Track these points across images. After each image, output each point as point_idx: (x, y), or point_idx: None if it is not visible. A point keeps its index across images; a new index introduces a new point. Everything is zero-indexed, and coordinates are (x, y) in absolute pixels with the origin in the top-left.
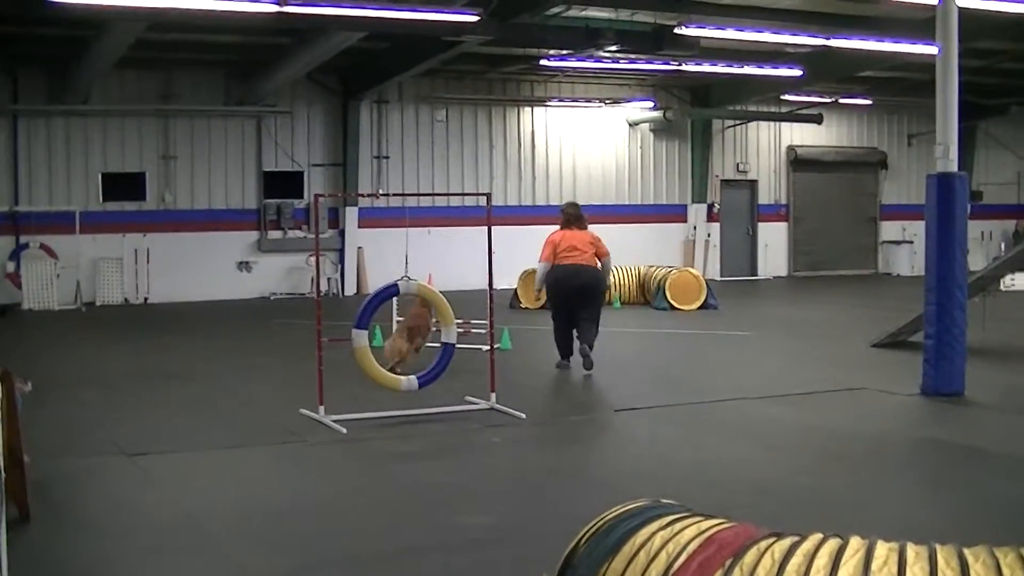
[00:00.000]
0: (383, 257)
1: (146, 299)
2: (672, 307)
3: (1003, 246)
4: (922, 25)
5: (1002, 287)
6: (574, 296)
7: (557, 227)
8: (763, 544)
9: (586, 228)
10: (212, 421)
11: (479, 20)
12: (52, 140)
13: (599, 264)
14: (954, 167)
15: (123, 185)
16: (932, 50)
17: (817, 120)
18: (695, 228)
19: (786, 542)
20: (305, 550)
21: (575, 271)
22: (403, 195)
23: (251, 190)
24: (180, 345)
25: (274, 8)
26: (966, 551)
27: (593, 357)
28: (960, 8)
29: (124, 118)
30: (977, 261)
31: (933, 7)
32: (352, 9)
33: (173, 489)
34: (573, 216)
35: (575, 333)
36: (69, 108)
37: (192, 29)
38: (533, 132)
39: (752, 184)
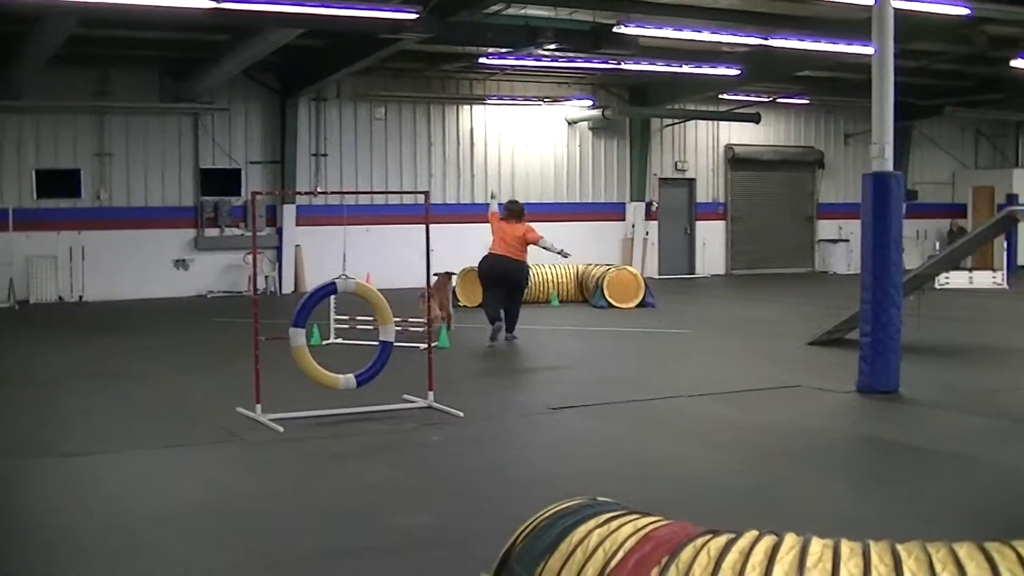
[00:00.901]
0: (321, 255)
1: (81, 297)
2: (610, 305)
3: (937, 245)
4: (858, 26)
5: (937, 285)
6: (496, 281)
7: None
8: (699, 541)
9: (522, 223)
10: (148, 420)
11: (418, 18)
12: None
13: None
14: (890, 166)
15: (57, 182)
16: (868, 51)
17: (755, 119)
18: (633, 226)
19: (722, 539)
20: (242, 550)
21: (495, 261)
22: (341, 193)
23: (188, 188)
24: (116, 344)
25: (210, 4)
26: (899, 547)
27: (520, 341)
28: (896, 9)
29: (58, 115)
30: (912, 260)
31: (869, 8)
32: (289, 6)
33: (109, 490)
34: (514, 211)
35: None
36: (2, 104)
37: (127, 25)
38: (472, 130)
39: (690, 183)
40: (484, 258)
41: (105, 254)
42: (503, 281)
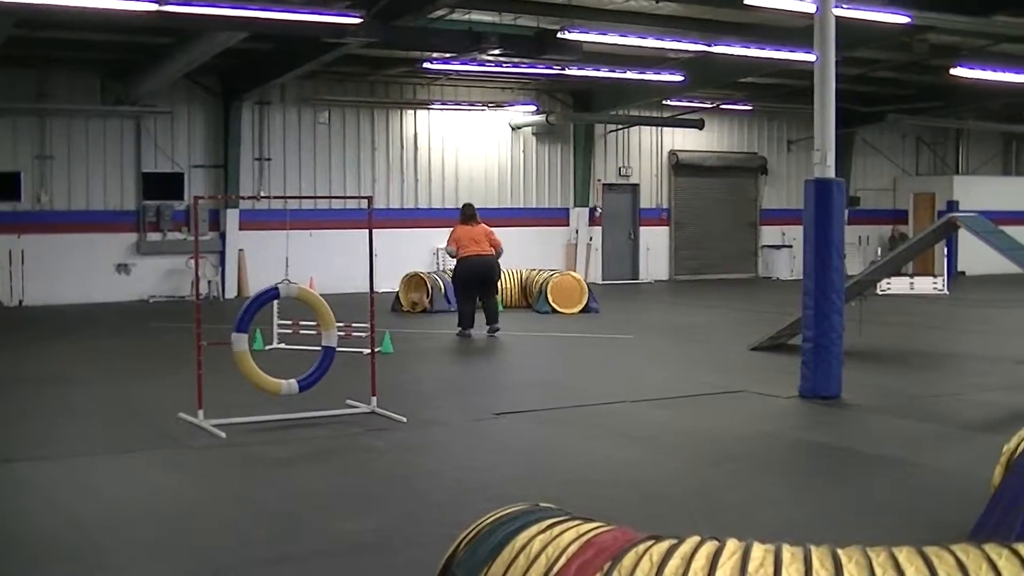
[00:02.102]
0: (264, 260)
1: (21, 302)
2: (554, 310)
3: (879, 251)
4: (801, 33)
5: (878, 291)
6: (477, 281)
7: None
8: (641, 547)
9: (480, 223)
10: (89, 426)
11: (362, 22)
12: None
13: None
14: (832, 173)
15: None
16: (810, 58)
17: (698, 125)
18: (577, 232)
19: (664, 545)
20: (184, 556)
21: (478, 260)
22: (285, 197)
23: (130, 191)
24: (56, 349)
25: (153, 7)
26: (840, 551)
27: (464, 346)
28: (837, 17)
29: None
30: (854, 266)
31: (811, 16)
32: (233, 9)
33: (48, 496)
34: (470, 214)
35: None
36: None
37: (68, 27)
38: (416, 135)
39: (634, 188)
40: (467, 259)
41: (46, 258)
42: (486, 278)
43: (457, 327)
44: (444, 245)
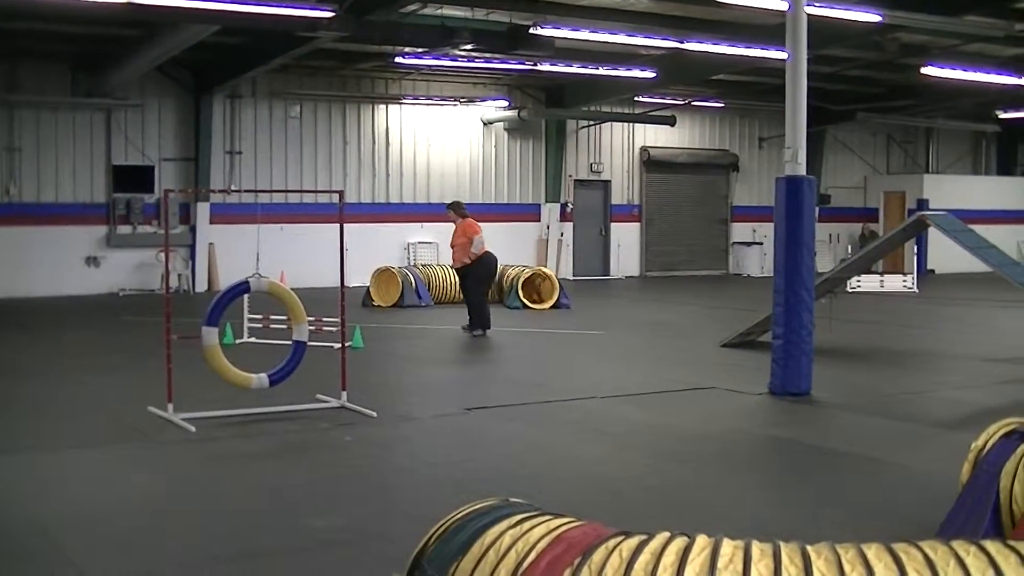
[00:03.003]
0: (235, 254)
1: None
2: (525, 306)
3: (849, 248)
4: (773, 31)
5: (848, 289)
6: (490, 278)
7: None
8: (611, 543)
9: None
10: (57, 420)
11: (334, 16)
12: None
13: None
14: (803, 170)
15: None
16: (782, 56)
17: (670, 122)
18: (548, 227)
19: (634, 540)
20: (150, 552)
21: (494, 257)
22: (256, 191)
23: (100, 184)
24: (24, 342)
25: None
26: (809, 548)
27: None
28: (809, 16)
29: None
30: (825, 263)
31: (783, 14)
32: (204, 2)
33: (13, 491)
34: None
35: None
36: None
37: (38, 18)
38: (387, 130)
39: (605, 184)
40: (488, 254)
41: (14, 250)
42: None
43: (477, 329)
44: (423, 240)
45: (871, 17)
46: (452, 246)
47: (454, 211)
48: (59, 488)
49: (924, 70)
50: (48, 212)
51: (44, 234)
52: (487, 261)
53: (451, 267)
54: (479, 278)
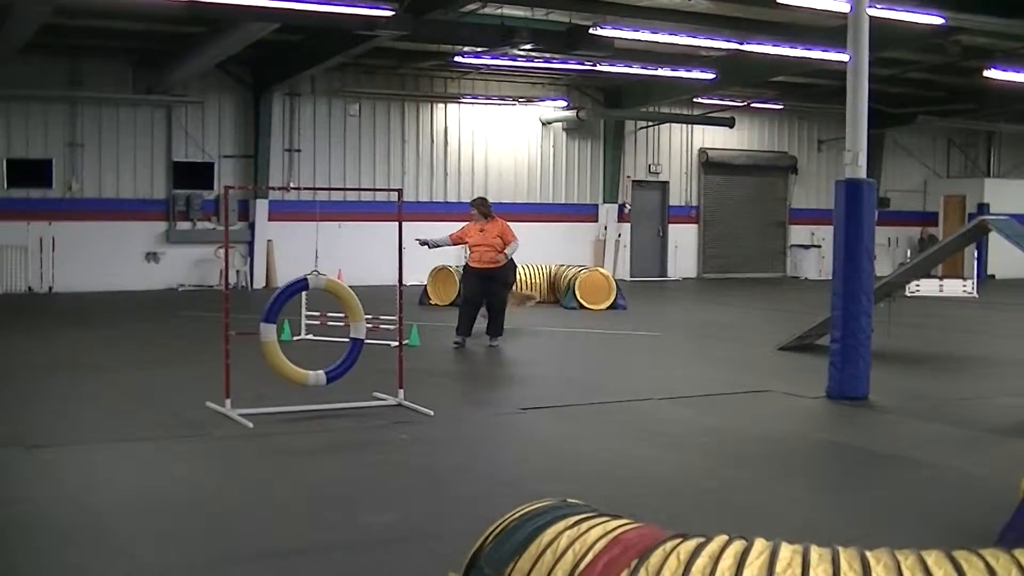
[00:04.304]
0: (293, 251)
1: (51, 288)
2: (581, 306)
3: (908, 252)
4: (834, 33)
5: (907, 293)
6: None
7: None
8: (669, 545)
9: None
10: (117, 414)
11: (393, 15)
12: None
13: None
14: (862, 174)
15: (28, 172)
16: (843, 58)
17: (729, 123)
18: (606, 228)
19: (692, 543)
20: (205, 545)
21: None
22: (314, 189)
23: (160, 180)
24: (85, 337)
25: None
26: (868, 553)
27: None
28: (871, 17)
29: (30, 104)
30: (883, 267)
31: (844, 15)
32: (265, 1)
33: (74, 483)
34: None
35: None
36: None
37: (100, 15)
38: (446, 129)
39: (663, 185)
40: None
41: (76, 245)
42: None
43: (497, 339)
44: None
45: (933, 19)
46: (480, 245)
47: (482, 209)
48: (116, 480)
49: (987, 73)
50: (109, 208)
51: (105, 229)
52: (514, 266)
53: (475, 267)
54: (509, 284)
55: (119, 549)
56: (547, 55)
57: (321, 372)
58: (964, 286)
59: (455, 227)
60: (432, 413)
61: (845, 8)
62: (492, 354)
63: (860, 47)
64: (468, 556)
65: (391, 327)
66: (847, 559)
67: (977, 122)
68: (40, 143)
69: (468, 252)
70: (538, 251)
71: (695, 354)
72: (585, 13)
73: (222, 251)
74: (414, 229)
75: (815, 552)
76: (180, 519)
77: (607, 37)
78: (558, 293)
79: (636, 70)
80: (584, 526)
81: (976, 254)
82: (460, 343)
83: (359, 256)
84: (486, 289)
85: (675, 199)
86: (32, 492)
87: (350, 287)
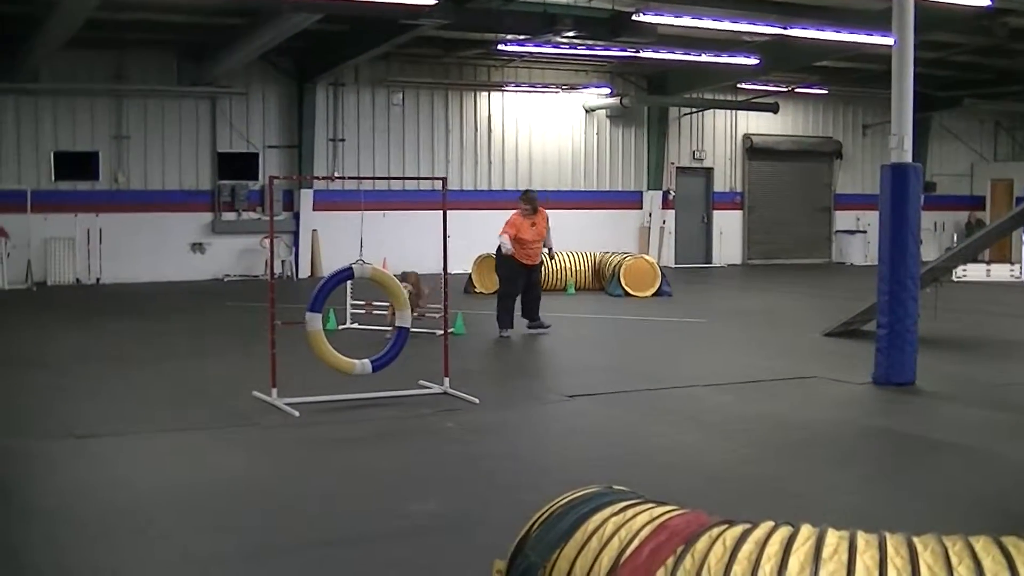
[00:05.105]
0: (338, 240)
1: (98, 280)
2: (626, 294)
3: (955, 237)
4: (878, 16)
5: (954, 278)
6: None
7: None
8: (715, 531)
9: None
10: (163, 404)
11: (436, 4)
12: (2, 118)
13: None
14: (908, 158)
15: (75, 164)
16: (888, 41)
17: (773, 109)
18: (650, 215)
19: (737, 529)
20: (253, 535)
21: None
22: (359, 178)
23: (205, 171)
24: (132, 327)
25: None
26: (915, 539)
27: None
28: (916, 0)
29: (75, 97)
30: (930, 252)
31: None
32: None
33: (122, 472)
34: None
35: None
36: (19, 86)
37: (145, 8)
38: (490, 117)
39: (707, 172)
40: None
41: (122, 237)
42: None
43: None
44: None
45: (980, 1)
46: (535, 242)
47: (535, 203)
48: (163, 470)
49: None
50: (154, 199)
51: (150, 221)
52: None
53: (526, 264)
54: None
55: (168, 538)
56: (590, 42)
57: (367, 361)
58: (1012, 270)
59: (503, 215)
60: (478, 401)
61: None
62: (537, 342)
63: (905, 30)
64: (514, 543)
65: (437, 315)
66: (894, 545)
67: None
68: (87, 136)
69: (513, 246)
70: (582, 238)
71: (740, 340)
72: None
73: (267, 241)
74: (458, 217)
75: (862, 538)
76: (227, 509)
77: (650, 23)
78: (603, 280)
79: (679, 56)
80: (630, 513)
81: None
82: (508, 335)
83: (404, 245)
84: (530, 280)
85: (719, 185)
86: (80, 482)
87: (395, 276)
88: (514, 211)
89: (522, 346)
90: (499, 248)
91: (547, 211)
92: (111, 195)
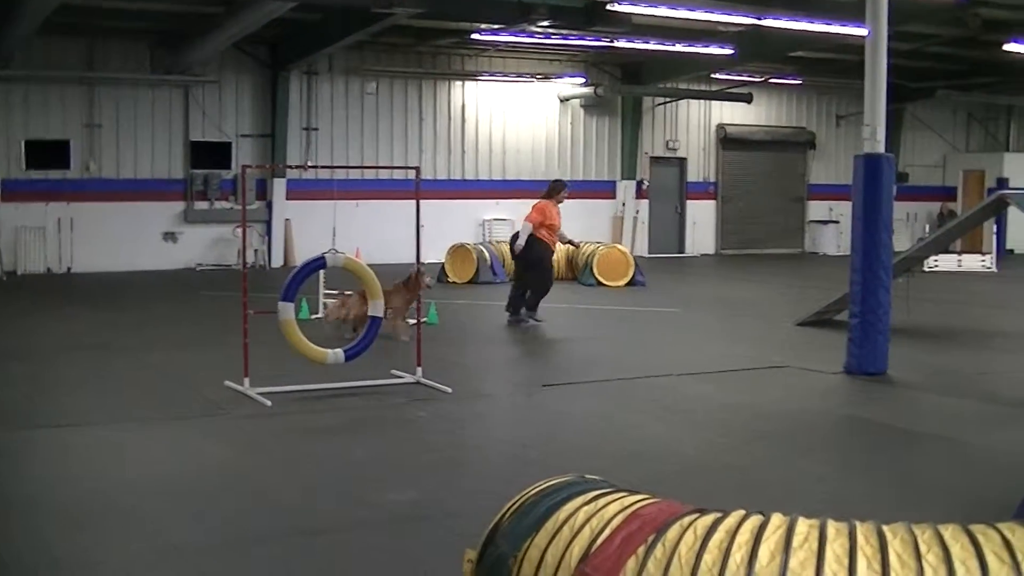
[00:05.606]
0: (311, 229)
1: (69, 269)
2: (600, 283)
3: (927, 228)
4: (853, 7)
5: (926, 268)
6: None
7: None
8: (686, 520)
9: (545, 197)
10: (136, 393)
11: None
12: None
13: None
14: (881, 148)
15: (47, 153)
16: (862, 32)
17: (747, 99)
18: (624, 205)
19: (709, 518)
20: (227, 525)
21: None
22: (332, 167)
23: (178, 160)
24: (104, 317)
25: None
26: (885, 528)
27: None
28: None
29: (48, 85)
30: (902, 242)
31: None
32: None
33: (96, 462)
34: (548, 189)
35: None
36: None
37: None
38: (464, 106)
39: (681, 162)
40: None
41: (94, 226)
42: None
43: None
44: (498, 216)
45: None
46: (559, 228)
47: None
48: (139, 459)
49: (1006, 46)
50: (127, 188)
51: (123, 210)
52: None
53: (552, 249)
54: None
55: (142, 528)
56: (565, 31)
57: (340, 350)
58: (983, 261)
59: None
60: (451, 391)
61: None
62: (511, 332)
63: (879, 21)
64: (486, 532)
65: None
66: (864, 533)
67: (997, 96)
68: (58, 124)
69: (538, 230)
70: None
71: (714, 330)
72: None
73: (240, 230)
74: (431, 207)
75: (832, 527)
76: (199, 498)
77: (625, 13)
78: (576, 270)
79: (654, 46)
80: (602, 502)
81: (995, 229)
82: (542, 320)
83: (377, 234)
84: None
85: (693, 175)
86: (52, 472)
87: (368, 265)
88: (538, 200)
89: (495, 336)
90: (528, 237)
91: (521, 201)
92: (83, 184)
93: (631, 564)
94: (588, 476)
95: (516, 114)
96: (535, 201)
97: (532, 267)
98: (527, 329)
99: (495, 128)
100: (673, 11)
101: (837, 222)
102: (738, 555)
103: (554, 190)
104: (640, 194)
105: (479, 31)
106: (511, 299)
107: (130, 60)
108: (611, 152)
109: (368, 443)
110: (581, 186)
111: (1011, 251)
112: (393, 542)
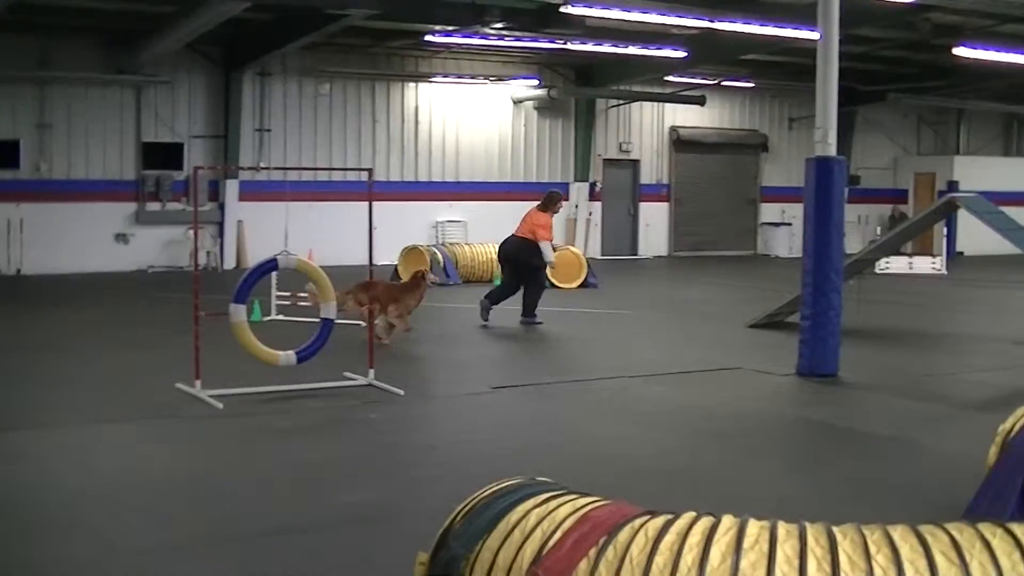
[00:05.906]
0: (264, 231)
1: (19, 270)
2: (552, 285)
3: (879, 230)
4: (805, 10)
5: (877, 270)
6: (503, 260)
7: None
8: (637, 522)
9: (541, 208)
10: (85, 396)
11: None
12: None
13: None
14: (833, 151)
15: None
16: (814, 35)
17: (700, 102)
18: (577, 207)
19: (660, 520)
20: (177, 528)
21: (506, 240)
22: (284, 169)
23: (129, 161)
24: (54, 318)
25: None
26: (835, 529)
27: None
28: None
29: None
30: (854, 244)
31: None
32: None
33: (44, 465)
34: (544, 199)
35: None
36: None
37: None
38: (417, 108)
39: (634, 164)
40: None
41: (45, 227)
42: (506, 257)
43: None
44: (451, 218)
45: None
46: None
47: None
48: (87, 462)
49: (956, 51)
50: (78, 189)
51: (74, 211)
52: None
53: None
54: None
55: (93, 532)
56: (518, 34)
57: (292, 352)
58: (933, 263)
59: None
60: (402, 392)
61: None
62: (463, 334)
63: (830, 24)
64: (438, 534)
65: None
66: (814, 535)
67: (947, 100)
68: (8, 124)
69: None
70: (509, 230)
71: (667, 332)
72: None
73: (192, 232)
74: (385, 209)
75: (782, 528)
76: (149, 502)
77: (578, 15)
78: None
79: (607, 48)
80: (553, 504)
81: (946, 231)
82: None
83: (330, 236)
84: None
85: (646, 177)
86: (2, 476)
87: (320, 267)
88: (531, 208)
89: (447, 338)
90: (529, 244)
91: (474, 202)
92: (33, 184)
93: (583, 566)
94: (540, 478)
95: (470, 116)
96: (489, 203)
97: (536, 272)
98: (534, 328)
99: (448, 130)
100: (626, 13)
101: (790, 224)
102: (689, 557)
103: (551, 201)
104: (593, 196)
105: (433, 32)
106: (494, 295)
107: (82, 59)
108: (564, 154)
109: (320, 445)
110: (535, 188)
111: (961, 253)
112: (345, 544)
